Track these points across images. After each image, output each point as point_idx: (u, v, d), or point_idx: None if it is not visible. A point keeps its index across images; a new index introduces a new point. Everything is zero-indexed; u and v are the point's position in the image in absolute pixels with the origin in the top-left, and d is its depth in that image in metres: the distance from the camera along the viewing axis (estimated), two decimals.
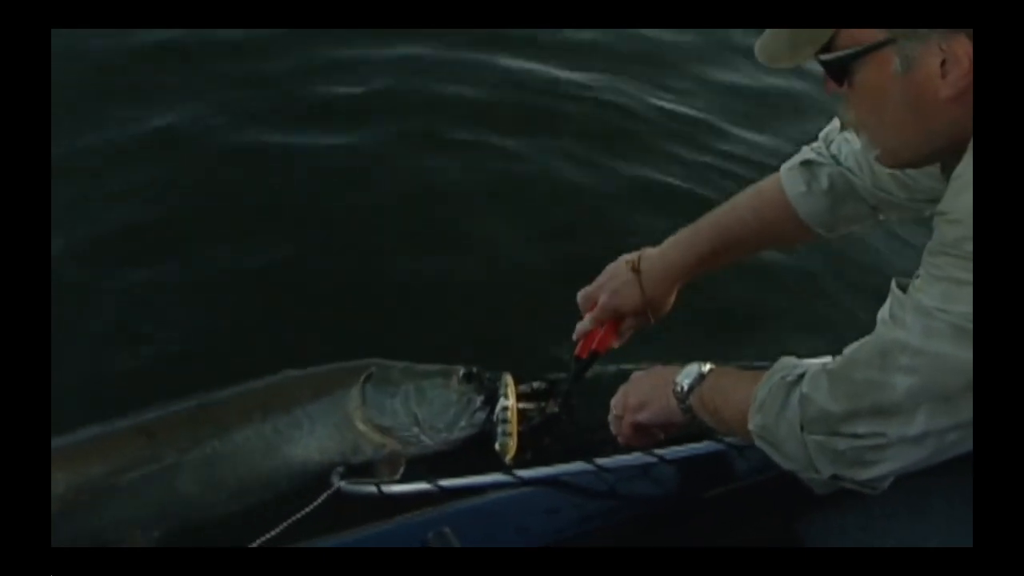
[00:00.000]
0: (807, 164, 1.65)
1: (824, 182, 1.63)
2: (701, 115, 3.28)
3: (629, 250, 1.81)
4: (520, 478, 1.48)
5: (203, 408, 1.74)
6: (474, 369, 1.82)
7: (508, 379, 1.80)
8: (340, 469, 1.68)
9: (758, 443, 1.32)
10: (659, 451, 1.52)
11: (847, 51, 1.17)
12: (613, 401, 1.65)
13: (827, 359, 1.28)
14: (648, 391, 1.58)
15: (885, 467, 1.19)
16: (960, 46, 1.08)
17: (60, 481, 1.55)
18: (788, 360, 1.35)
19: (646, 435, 1.59)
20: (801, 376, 1.28)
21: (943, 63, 1.10)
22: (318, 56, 3.17)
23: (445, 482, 1.50)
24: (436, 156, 2.82)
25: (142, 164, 2.68)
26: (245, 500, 1.70)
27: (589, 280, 1.83)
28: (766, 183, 1.73)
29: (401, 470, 1.69)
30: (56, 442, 1.51)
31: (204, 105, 2.88)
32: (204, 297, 2.28)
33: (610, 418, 1.64)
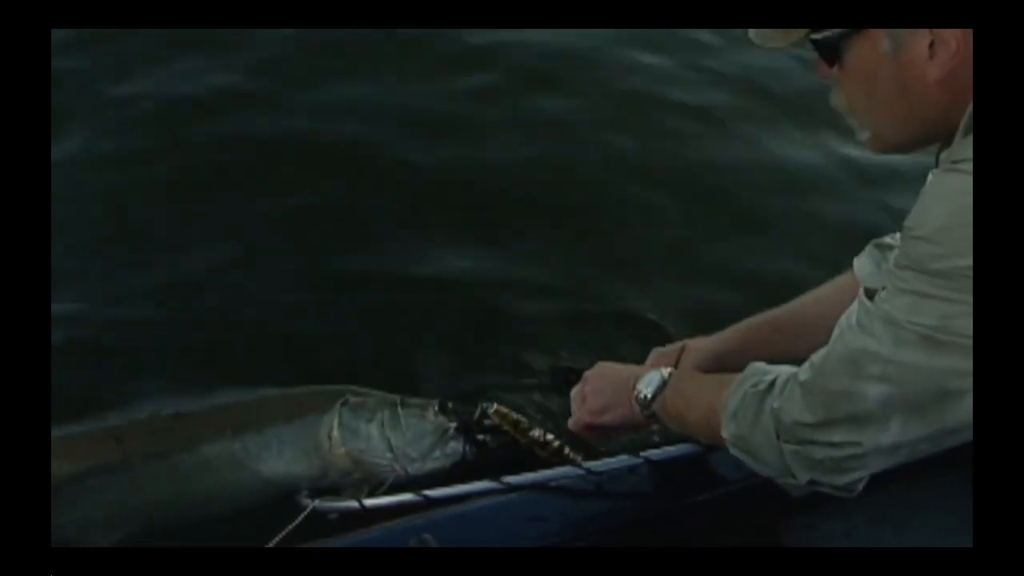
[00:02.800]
0: (879, 246, 1.58)
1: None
2: None
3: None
4: (507, 484, 1.46)
5: (176, 419, 1.75)
6: (449, 403, 1.82)
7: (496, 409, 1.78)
8: (305, 491, 1.66)
9: (732, 451, 1.31)
10: (644, 453, 1.50)
11: (838, 31, 1.17)
12: (573, 395, 1.63)
13: (791, 368, 1.27)
14: (610, 395, 1.57)
15: (860, 473, 1.20)
16: (948, 29, 1.09)
17: None
18: (757, 366, 1.34)
19: (603, 433, 1.60)
20: (772, 383, 1.27)
21: (931, 45, 1.11)
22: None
23: (431, 492, 1.46)
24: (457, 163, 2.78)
25: (142, 166, 2.68)
26: (210, 511, 1.70)
27: None
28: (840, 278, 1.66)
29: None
30: None
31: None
32: (187, 307, 2.27)
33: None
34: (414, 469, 1.76)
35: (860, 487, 1.22)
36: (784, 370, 1.28)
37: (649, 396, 1.48)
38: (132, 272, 2.34)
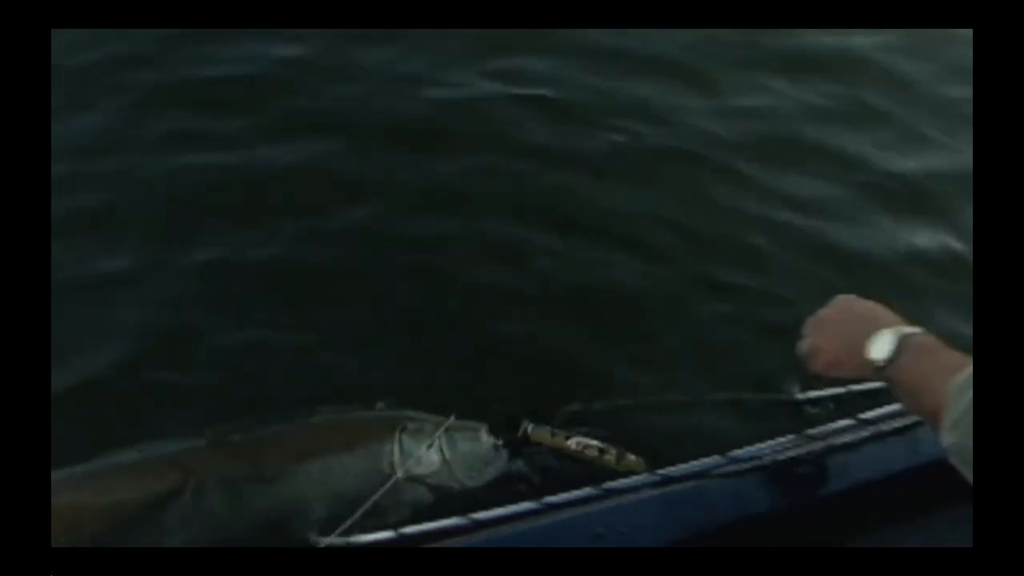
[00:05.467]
0: None
1: None
2: None
3: None
4: (664, 476, 1.50)
5: (240, 448, 1.84)
6: (499, 422, 1.95)
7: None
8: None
9: (953, 459, 1.16)
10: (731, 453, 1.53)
11: None
12: (804, 344, 1.50)
13: None
14: (843, 352, 1.44)
15: None
16: None
17: (92, 507, 1.68)
18: None
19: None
20: None
21: None
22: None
23: (477, 515, 1.52)
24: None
25: (163, 179, 2.71)
26: (280, 537, 1.75)
27: None
28: None
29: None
30: (86, 468, 1.70)
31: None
32: (237, 331, 2.34)
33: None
34: (471, 487, 1.89)
35: None
36: None
37: (881, 363, 1.35)
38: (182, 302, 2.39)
